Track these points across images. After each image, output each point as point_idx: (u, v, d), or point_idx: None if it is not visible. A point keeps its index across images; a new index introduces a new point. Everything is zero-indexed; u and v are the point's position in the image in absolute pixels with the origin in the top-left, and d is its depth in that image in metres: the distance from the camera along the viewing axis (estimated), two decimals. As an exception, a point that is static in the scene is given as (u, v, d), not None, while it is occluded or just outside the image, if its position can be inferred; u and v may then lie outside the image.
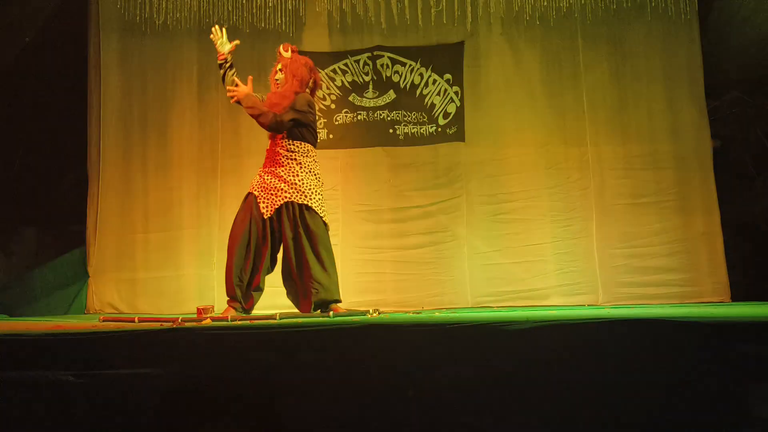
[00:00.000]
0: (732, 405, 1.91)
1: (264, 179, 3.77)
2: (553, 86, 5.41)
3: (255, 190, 3.78)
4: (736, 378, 1.91)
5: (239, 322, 2.83)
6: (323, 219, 3.78)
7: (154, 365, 2.07)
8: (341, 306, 3.76)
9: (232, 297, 3.70)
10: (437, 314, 3.65)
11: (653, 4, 5.17)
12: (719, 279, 5.07)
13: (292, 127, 3.74)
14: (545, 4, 5.06)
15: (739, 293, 5.08)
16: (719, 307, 4.10)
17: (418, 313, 3.84)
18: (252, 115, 3.72)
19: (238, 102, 3.75)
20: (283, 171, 3.75)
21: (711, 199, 5.18)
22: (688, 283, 5.08)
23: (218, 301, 4.97)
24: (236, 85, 3.75)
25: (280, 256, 3.85)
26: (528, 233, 5.28)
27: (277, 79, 3.85)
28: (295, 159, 3.78)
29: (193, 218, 5.41)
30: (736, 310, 3.27)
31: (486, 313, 3.75)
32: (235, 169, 5.33)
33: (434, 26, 5.38)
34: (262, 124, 3.73)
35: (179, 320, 3.12)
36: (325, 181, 5.11)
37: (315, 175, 3.84)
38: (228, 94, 3.76)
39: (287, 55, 3.87)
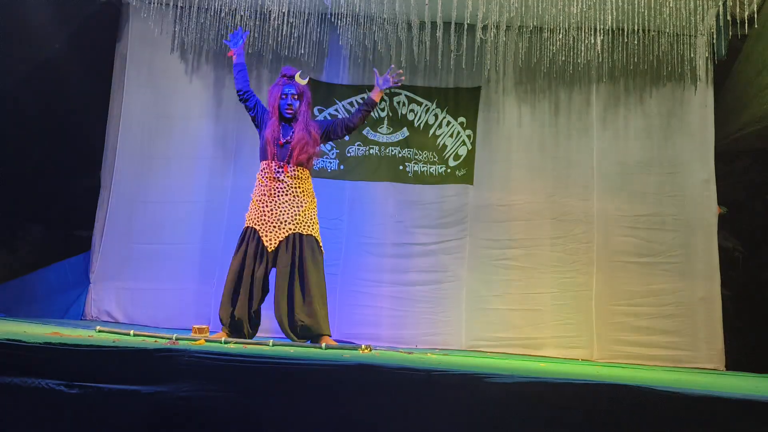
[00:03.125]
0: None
1: (264, 211, 3.78)
2: (564, 138, 5.49)
3: (255, 223, 3.79)
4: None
5: (233, 347, 2.86)
6: (321, 246, 3.84)
7: (146, 383, 2.10)
8: (331, 338, 3.77)
9: (226, 326, 3.73)
10: (429, 355, 3.67)
11: (669, 68, 5.26)
12: (715, 346, 5.05)
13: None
14: (563, 58, 5.16)
15: (734, 362, 5.06)
16: (712, 375, 4.08)
17: (409, 352, 3.86)
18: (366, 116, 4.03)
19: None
20: (287, 200, 3.77)
21: (712, 265, 5.19)
22: (684, 347, 5.07)
23: (214, 319, 5.00)
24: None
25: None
26: (528, 281, 5.30)
27: (289, 104, 3.85)
28: (300, 186, 3.82)
29: (198, 234, 5.48)
30: (728, 381, 3.27)
31: (477, 358, 3.76)
32: (246, 189, 5.39)
33: (453, 70, 5.49)
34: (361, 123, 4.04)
35: (174, 338, 3.16)
36: (332, 211, 5.23)
37: (314, 199, 3.90)
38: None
39: (304, 82, 3.92)
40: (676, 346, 5.07)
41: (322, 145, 4.08)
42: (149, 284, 5.36)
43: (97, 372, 2.10)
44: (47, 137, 5.43)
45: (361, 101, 5.03)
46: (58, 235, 5.98)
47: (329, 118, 5.60)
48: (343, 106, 5.63)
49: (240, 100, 4.03)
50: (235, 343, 3.28)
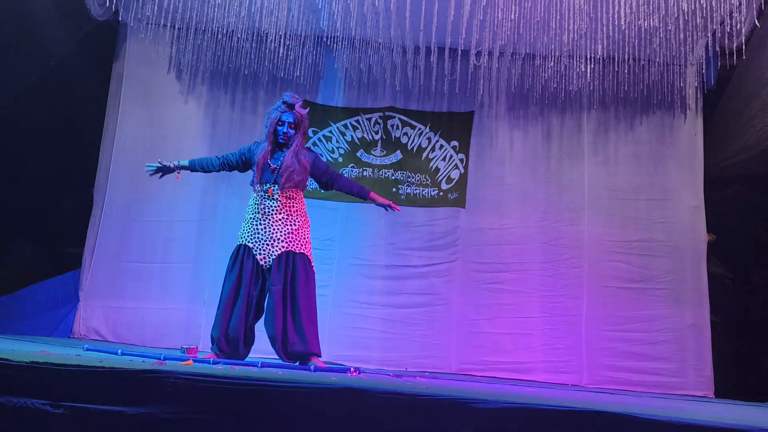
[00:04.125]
0: None
1: (257, 229, 3.79)
2: (556, 164, 5.55)
3: (248, 241, 3.81)
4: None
5: (221, 368, 2.85)
6: (312, 265, 3.85)
7: (131, 404, 2.10)
8: (321, 359, 3.76)
9: (217, 345, 3.71)
10: (417, 379, 3.66)
11: (659, 96, 5.34)
12: (704, 373, 5.07)
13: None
14: (554, 85, 5.23)
15: (723, 389, 5.06)
16: (699, 403, 4.08)
17: (399, 375, 3.85)
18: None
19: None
20: (280, 219, 3.79)
21: (701, 292, 5.23)
22: (673, 373, 5.08)
23: (204, 339, 4.98)
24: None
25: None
26: (518, 306, 5.32)
27: (285, 132, 3.88)
28: (294, 206, 3.84)
29: (190, 253, 5.47)
30: (715, 410, 3.28)
31: (465, 383, 3.76)
32: (238, 210, 5.39)
33: (446, 94, 5.54)
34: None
35: (162, 358, 3.15)
36: (324, 232, 5.25)
37: (307, 219, 3.91)
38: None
39: (303, 112, 3.95)
40: (666, 372, 5.09)
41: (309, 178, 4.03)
42: (139, 303, 5.35)
43: (83, 392, 2.10)
44: (40, 153, 5.43)
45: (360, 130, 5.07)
46: (48, 252, 5.96)
47: (323, 139, 5.65)
48: (337, 128, 5.67)
49: (229, 170, 4.10)
50: (224, 364, 3.27)
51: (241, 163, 4.03)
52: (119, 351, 3.40)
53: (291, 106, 3.87)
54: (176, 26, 5.40)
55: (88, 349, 3.44)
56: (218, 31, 5.23)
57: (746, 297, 5.99)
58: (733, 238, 5.97)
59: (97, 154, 5.69)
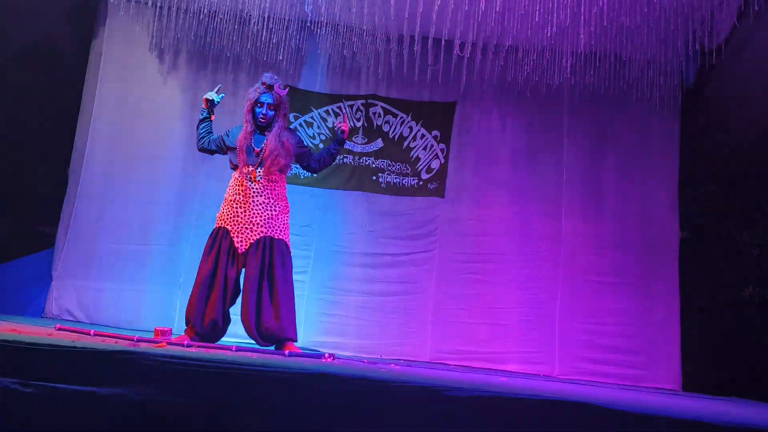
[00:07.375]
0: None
1: (237, 212, 3.77)
2: (536, 157, 5.58)
3: (227, 224, 3.78)
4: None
5: (194, 351, 2.84)
6: (290, 251, 3.84)
7: (103, 385, 2.08)
8: (296, 344, 3.77)
9: (192, 327, 3.69)
10: (391, 366, 3.68)
11: (639, 93, 5.39)
12: (672, 367, 5.17)
13: None
14: (536, 78, 5.26)
15: (691, 383, 5.18)
16: (666, 396, 4.17)
17: (374, 362, 3.87)
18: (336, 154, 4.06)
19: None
20: (261, 202, 3.76)
21: (673, 288, 5.32)
22: (643, 366, 5.18)
23: (178, 322, 4.95)
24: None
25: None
26: (494, 296, 5.36)
27: (264, 113, 3.84)
28: (275, 190, 3.82)
29: (167, 235, 5.42)
30: (680, 402, 3.35)
31: (439, 371, 3.79)
32: (216, 194, 5.35)
33: (429, 84, 5.53)
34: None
35: (135, 339, 3.13)
36: (303, 218, 5.24)
37: (287, 204, 3.90)
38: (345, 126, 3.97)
39: (283, 93, 3.92)
40: (636, 365, 5.18)
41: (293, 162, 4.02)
42: (113, 284, 5.28)
43: (54, 372, 2.08)
44: (15, 130, 5.33)
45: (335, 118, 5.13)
46: (21, 231, 5.86)
47: (304, 125, 5.62)
48: (318, 114, 5.65)
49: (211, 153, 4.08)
50: (197, 347, 3.26)
51: (219, 149, 4.00)
52: (92, 332, 3.37)
53: (270, 87, 3.83)
54: (158, 4, 5.31)
55: (60, 329, 3.40)
56: (201, 11, 5.16)
57: (716, 294, 6.11)
58: (705, 236, 6.08)
59: (73, 132, 5.59)
